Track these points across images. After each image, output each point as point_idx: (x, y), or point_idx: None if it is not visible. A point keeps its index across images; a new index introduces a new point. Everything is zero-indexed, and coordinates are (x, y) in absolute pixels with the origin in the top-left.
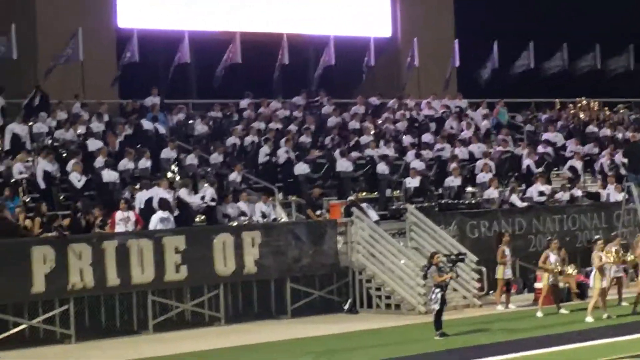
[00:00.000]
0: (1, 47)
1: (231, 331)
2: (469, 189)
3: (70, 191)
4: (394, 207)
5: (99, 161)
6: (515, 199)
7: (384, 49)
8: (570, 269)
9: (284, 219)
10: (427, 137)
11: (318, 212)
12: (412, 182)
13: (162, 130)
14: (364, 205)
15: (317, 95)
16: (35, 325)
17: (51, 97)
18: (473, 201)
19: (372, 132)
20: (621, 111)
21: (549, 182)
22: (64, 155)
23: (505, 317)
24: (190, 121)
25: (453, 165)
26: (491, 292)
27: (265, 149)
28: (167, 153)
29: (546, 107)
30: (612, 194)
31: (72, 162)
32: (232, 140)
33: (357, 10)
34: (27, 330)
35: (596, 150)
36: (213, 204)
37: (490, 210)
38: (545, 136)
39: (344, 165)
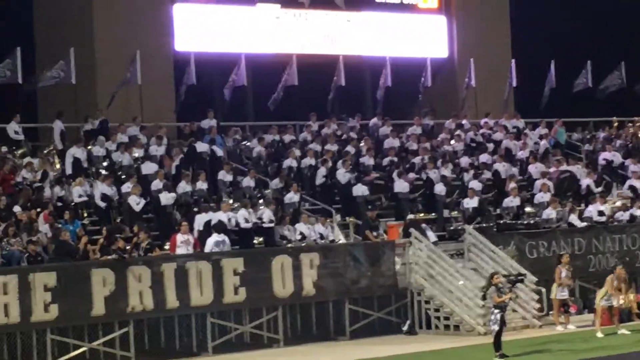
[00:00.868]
0: (60, 72)
1: (290, 353)
2: (528, 209)
3: (128, 214)
4: (452, 228)
5: (156, 184)
6: (574, 218)
7: (441, 70)
8: (631, 295)
9: (341, 240)
10: (484, 158)
11: (375, 233)
12: (470, 203)
13: (219, 152)
14: (422, 225)
15: (375, 117)
16: (96, 348)
17: (110, 120)
18: (532, 221)
19: (429, 152)
20: None
21: (607, 201)
22: (123, 177)
23: (565, 338)
24: (247, 143)
25: (511, 185)
26: (550, 312)
27: (322, 171)
28: (223, 175)
29: (604, 125)
30: None
31: (129, 184)
32: (289, 162)
33: (414, 32)
34: (87, 353)
35: None
36: (271, 225)
37: (549, 230)
38: (603, 155)
39: (401, 186)
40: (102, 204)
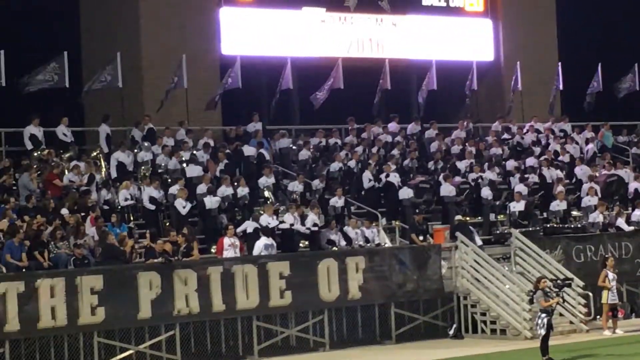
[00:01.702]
0: (107, 75)
1: (336, 356)
2: (574, 212)
3: (175, 217)
4: (498, 232)
5: (201, 188)
6: (621, 222)
7: (487, 73)
8: None
9: (387, 244)
10: (531, 161)
11: (421, 237)
12: (517, 207)
13: (267, 156)
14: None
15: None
16: (142, 351)
17: (156, 123)
18: (579, 225)
19: (474, 156)
20: None
21: None
22: (169, 181)
23: (613, 342)
24: (293, 147)
25: (559, 189)
26: (598, 317)
27: (368, 174)
28: (265, 179)
29: None
30: None
31: (176, 188)
32: (335, 165)
33: (460, 35)
34: (134, 356)
35: None
36: (316, 229)
37: (597, 234)
38: None
39: (447, 189)
40: (151, 207)
